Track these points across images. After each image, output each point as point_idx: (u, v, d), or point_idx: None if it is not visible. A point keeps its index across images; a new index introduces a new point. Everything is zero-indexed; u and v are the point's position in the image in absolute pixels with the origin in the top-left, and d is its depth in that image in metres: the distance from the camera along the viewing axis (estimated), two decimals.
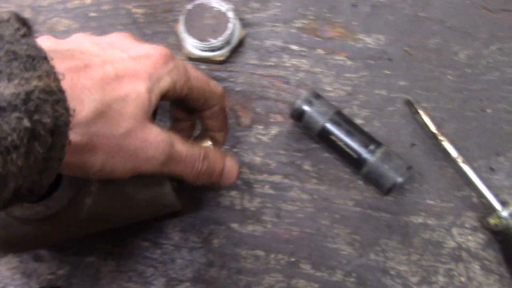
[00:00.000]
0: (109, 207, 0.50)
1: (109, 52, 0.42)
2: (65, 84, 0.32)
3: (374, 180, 0.57)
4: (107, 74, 0.39)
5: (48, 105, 0.29)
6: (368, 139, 0.57)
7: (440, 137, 0.58)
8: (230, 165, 0.50)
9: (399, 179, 0.55)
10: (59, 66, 0.32)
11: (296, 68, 0.65)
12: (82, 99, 0.37)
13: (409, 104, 0.62)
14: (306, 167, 0.61)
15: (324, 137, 0.58)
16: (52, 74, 0.31)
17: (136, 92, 0.40)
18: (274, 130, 0.62)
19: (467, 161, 0.58)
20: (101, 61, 0.40)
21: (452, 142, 0.58)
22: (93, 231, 0.53)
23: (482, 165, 0.61)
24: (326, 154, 0.61)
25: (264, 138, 0.62)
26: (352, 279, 0.57)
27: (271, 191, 0.60)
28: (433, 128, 0.59)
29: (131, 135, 0.40)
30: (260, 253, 0.58)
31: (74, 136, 0.34)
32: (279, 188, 0.60)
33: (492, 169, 0.60)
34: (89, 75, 0.38)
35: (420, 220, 0.59)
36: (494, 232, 0.56)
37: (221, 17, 0.62)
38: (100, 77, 0.39)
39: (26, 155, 0.28)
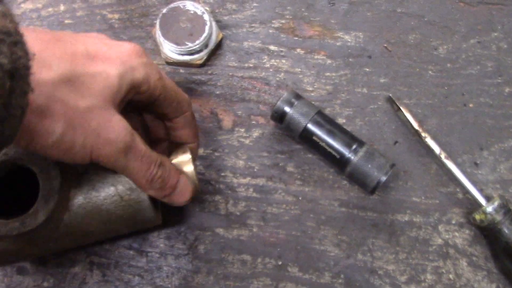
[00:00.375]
0: (87, 223, 0.49)
1: (83, 37, 0.42)
2: (34, 48, 0.31)
3: (358, 179, 0.56)
4: (79, 50, 0.39)
5: (4, 45, 0.28)
6: (350, 139, 0.57)
7: (423, 134, 0.58)
8: (184, 184, 0.48)
9: (383, 178, 0.55)
10: (30, 35, 0.31)
11: (276, 69, 0.64)
12: (50, 63, 0.37)
13: (390, 101, 0.61)
14: (290, 168, 0.60)
15: (306, 138, 0.58)
16: (8, 15, 0.30)
17: (107, 73, 0.40)
18: (256, 133, 0.61)
19: (451, 156, 0.58)
20: (73, 39, 0.40)
21: (435, 138, 0.58)
22: (72, 246, 0.53)
23: (466, 160, 0.60)
24: (310, 155, 0.61)
25: (246, 141, 0.61)
26: (340, 281, 0.57)
27: (255, 195, 0.59)
28: (415, 124, 0.59)
29: (95, 112, 0.39)
30: (247, 257, 0.58)
31: (37, 96, 0.34)
32: (264, 191, 0.60)
33: (476, 164, 0.60)
34: (60, 46, 0.39)
35: (406, 218, 0.59)
36: (481, 227, 0.56)
37: (197, 20, 0.61)
38: (71, 51, 0.39)
39: None
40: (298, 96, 0.58)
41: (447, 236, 0.58)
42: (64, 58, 0.38)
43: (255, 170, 0.60)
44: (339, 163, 0.57)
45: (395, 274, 0.57)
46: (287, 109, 0.57)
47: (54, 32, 0.41)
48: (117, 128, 0.40)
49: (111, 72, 0.40)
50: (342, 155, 0.56)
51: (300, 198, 0.59)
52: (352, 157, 0.56)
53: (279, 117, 0.58)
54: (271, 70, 0.64)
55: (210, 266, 0.57)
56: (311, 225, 0.58)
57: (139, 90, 0.43)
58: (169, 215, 0.58)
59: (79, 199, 0.48)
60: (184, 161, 0.50)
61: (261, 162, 0.60)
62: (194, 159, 0.52)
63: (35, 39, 0.33)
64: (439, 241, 0.58)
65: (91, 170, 0.49)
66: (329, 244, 0.58)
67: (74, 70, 0.38)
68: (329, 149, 0.56)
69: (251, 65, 0.64)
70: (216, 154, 0.61)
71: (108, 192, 0.49)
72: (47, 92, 0.36)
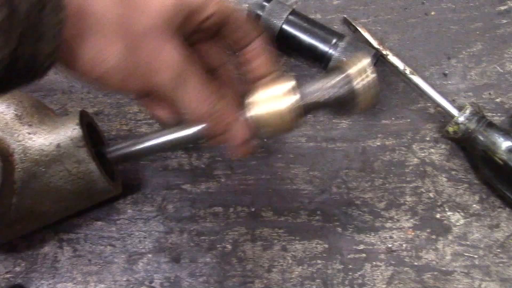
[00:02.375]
0: (39, 203, 0.47)
1: None
2: None
3: None
4: None
5: None
6: (329, 34, 0.53)
7: (384, 51, 0.54)
8: (242, 125, 0.42)
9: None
10: None
11: None
12: None
13: (346, 22, 0.58)
14: None
15: (283, 40, 0.55)
16: None
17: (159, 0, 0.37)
18: None
19: (417, 71, 0.54)
20: None
21: (398, 55, 0.55)
22: (30, 229, 0.50)
23: (434, 72, 0.57)
24: None
25: None
26: (317, 217, 0.54)
27: None
28: (375, 43, 0.55)
29: (152, 34, 0.36)
30: (218, 209, 0.55)
31: (87, 15, 0.32)
32: None
33: (445, 75, 0.57)
34: None
35: (377, 142, 0.55)
36: (456, 139, 0.53)
37: None
38: None
39: (8, 12, 0.25)
40: None
41: (422, 154, 0.55)
42: None
43: None
44: (321, 61, 0.54)
45: (373, 201, 0.54)
46: (259, 12, 0.54)
47: None
48: (171, 53, 0.37)
49: None
50: (323, 52, 0.53)
51: (265, 140, 0.56)
52: (333, 52, 0.52)
53: None
54: None
55: (182, 224, 0.55)
56: (280, 166, 0.55)
57: (200, 18, 0.39)
58: (131, 179, 0.55)
59: (25, 180, 0.45)
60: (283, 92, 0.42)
61: None
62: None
63: None
64: (415, 160, 0.55)
65: (33, 149, 0.46)
66: (301, 182, 0.55)
67: None
68: (309, 47, 0.53)
69: None
70: None
71: (54, 168, 0.46)
72: (100, 10, 0.33)
